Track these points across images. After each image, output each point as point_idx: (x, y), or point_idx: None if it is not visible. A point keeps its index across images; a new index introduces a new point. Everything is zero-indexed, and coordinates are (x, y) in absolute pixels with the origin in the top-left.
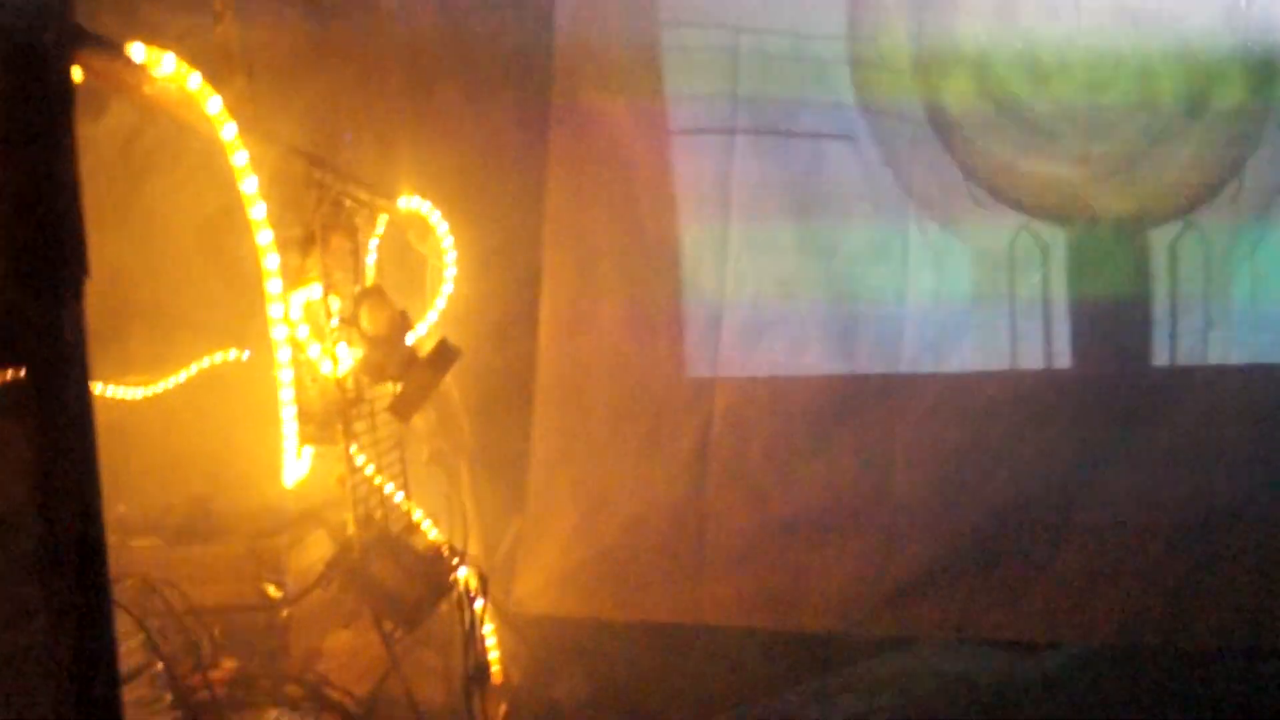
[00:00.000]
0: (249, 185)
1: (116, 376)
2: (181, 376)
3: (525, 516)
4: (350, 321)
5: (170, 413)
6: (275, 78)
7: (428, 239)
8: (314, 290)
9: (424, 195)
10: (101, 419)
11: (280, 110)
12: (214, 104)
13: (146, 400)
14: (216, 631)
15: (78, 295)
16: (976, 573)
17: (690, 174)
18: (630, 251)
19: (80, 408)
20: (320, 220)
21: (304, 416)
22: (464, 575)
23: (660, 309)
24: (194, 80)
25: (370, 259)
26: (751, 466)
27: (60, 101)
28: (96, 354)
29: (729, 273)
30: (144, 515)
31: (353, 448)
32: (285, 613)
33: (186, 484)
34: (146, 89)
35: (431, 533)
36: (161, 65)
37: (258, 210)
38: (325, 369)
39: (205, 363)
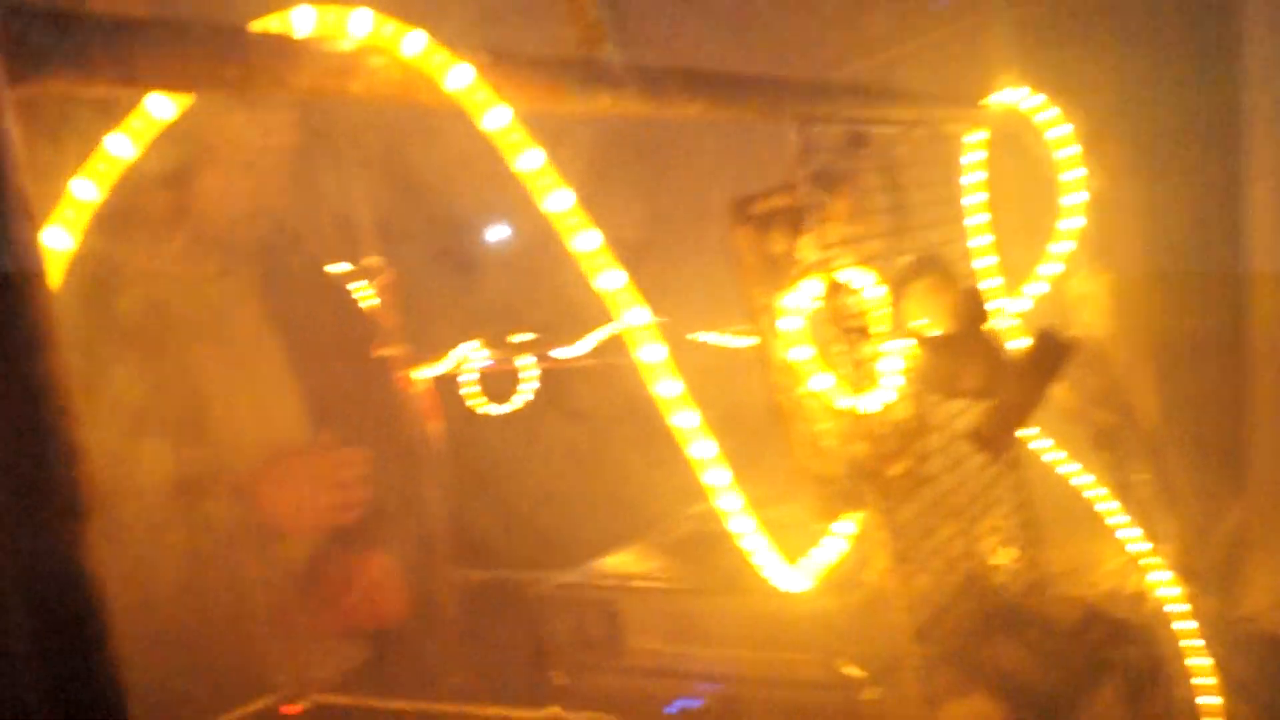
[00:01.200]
0: (551, 194)
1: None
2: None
3: (1247, 504)
4: (893, 317)
5: None
6: None
7: (1041, 145)
8: (809, 288)
9: (1040, 81)
10: None
11: None
12: (458, 75)
13: None
14: None
15: None
16: None
17: None
18: None
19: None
20: (807, 177)
21: (822, 480)
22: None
23: None
24: (413, 41)
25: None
26: None
27: None
28: None
29: None
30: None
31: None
32: (870, 694)
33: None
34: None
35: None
36: (350, 27)
37: (558, 199)
38: (843, 404)
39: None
